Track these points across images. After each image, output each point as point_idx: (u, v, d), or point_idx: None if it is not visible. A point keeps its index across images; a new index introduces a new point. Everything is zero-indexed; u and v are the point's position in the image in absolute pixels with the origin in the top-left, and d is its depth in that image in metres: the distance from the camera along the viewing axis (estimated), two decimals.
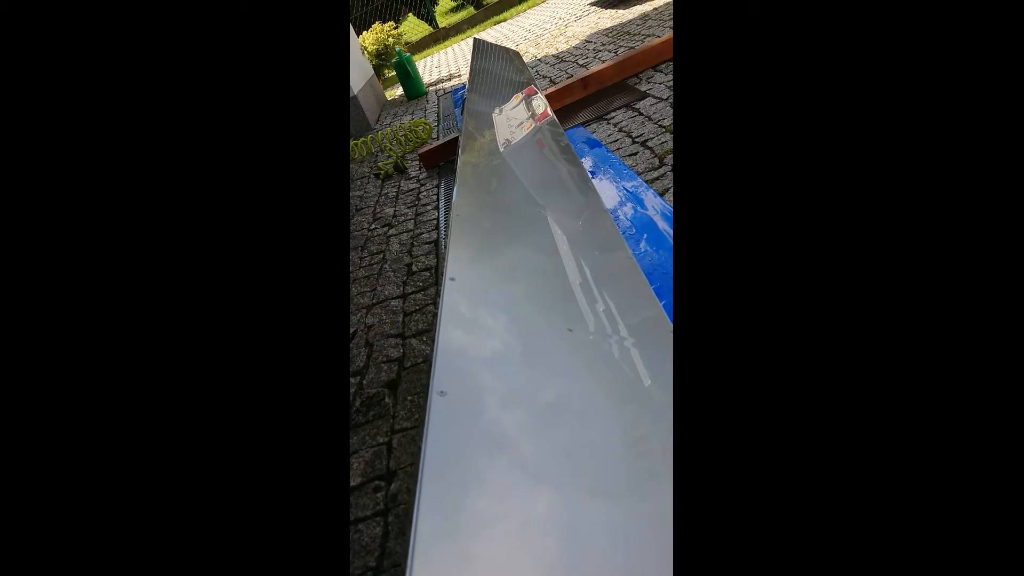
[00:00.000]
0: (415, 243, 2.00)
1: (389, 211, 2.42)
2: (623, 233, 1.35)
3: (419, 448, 0.51)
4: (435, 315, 1.48)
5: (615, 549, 0.46)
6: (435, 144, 2.77)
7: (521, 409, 0.63)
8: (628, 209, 1.46)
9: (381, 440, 1.14)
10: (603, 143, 2.03)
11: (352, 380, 1.36)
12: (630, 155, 1.83)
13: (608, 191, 1.60)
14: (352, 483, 1.06)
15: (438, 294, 0.82)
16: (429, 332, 1.43)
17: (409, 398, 1.23)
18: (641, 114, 2.11)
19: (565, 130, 2.28)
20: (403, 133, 3.26)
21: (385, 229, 2.23)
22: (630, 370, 0.80)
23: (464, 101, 2.42)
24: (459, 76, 5.07)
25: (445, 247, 1.02)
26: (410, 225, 2.17)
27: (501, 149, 1.82)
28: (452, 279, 0.87)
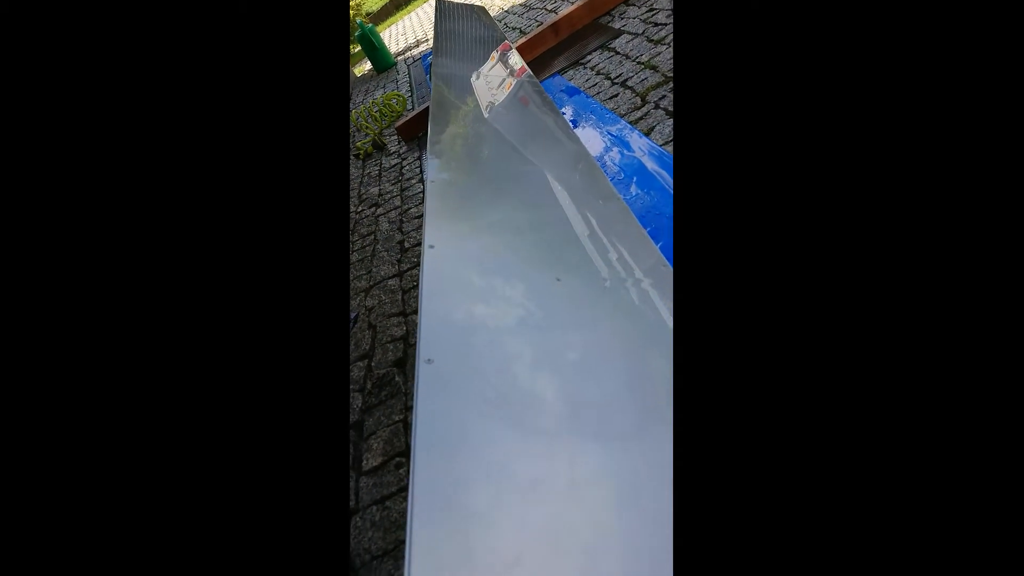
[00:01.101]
0: (404, 219, 1.96)
1: (374, 190, 2.37)
2: (612, 179, 1.31)
3: (412, 419, 0.50)
4: None
5: (615, 492, 0.46)
6: (411, 115, 2.69)
7: (511, 367, 0.62)
8: (615, 154, 1.42)
9: (396, 418, 1.14)
10: (581, 89, 1.96)
11: (360, 363, 1.36)
12: (611, 97, 1.76)
13: (592, 138, 1.55)
14: (374, 463, 1.07)
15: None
16: None
17: None
18: (618, 53, 2.02)
19: (541, 81, 2.20)
20: (377, 109, 3.16)
21: (372, 209, 2.19)
22: (625, 316, 0.79)
23: (431, 67, 2.33)
24: (427, 41, 4.88)
25: (423, 212, 1.00)
26: (397, 202, 2.13)
27: (473, 110, 1.76)
28: (431, 247, 0.85)
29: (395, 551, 0.90)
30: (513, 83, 1.86)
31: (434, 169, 1.17)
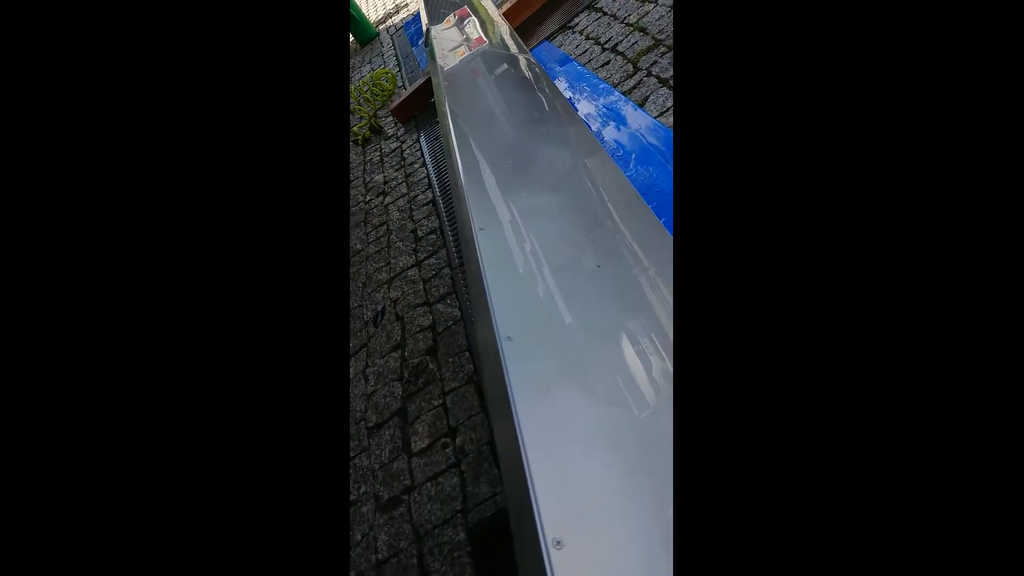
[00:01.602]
0: (413, 207, 2.03)
1: (379, 178, 2.42)
2: (611, 154, 1.36)
3: (505, 391, 0.58)
4: (452, 277, 1.55)
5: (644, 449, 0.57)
6: (404, 95, 2.68)
7: (578, 343, 0.71)
8: (612, 129, 1.46)
9: (436, 403, 1.26)
10: (573, 57, 1.95)
11: (394, 354, 1.48)
12: (602, 65, 1.77)
13: (589, 112, 1.58)
14: (421, 445, 1.20)
15: (463, 248, 0.87)
16: (451, 295, 1.51)
17: (450, 360, 1.34)
18: (605, 14, 2.00)
19: (532, 49, 2.18)
20: (367, 89, 3.14)
21: (381, 198, 2.25)
22: (655, 298, 0.87)
23: (426, 38, 2.31)
24: (407, 6, 4.72)
25: (461, 197, 1.06)
26: (403, 189, 2.19)
27: (475, 88, 1.78)
28: (482, 229, 0.92)
29: (452, 520, 1.03)
30: (510, 60, 1.86)
31: (462, 151, 1.22)
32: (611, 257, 0.97)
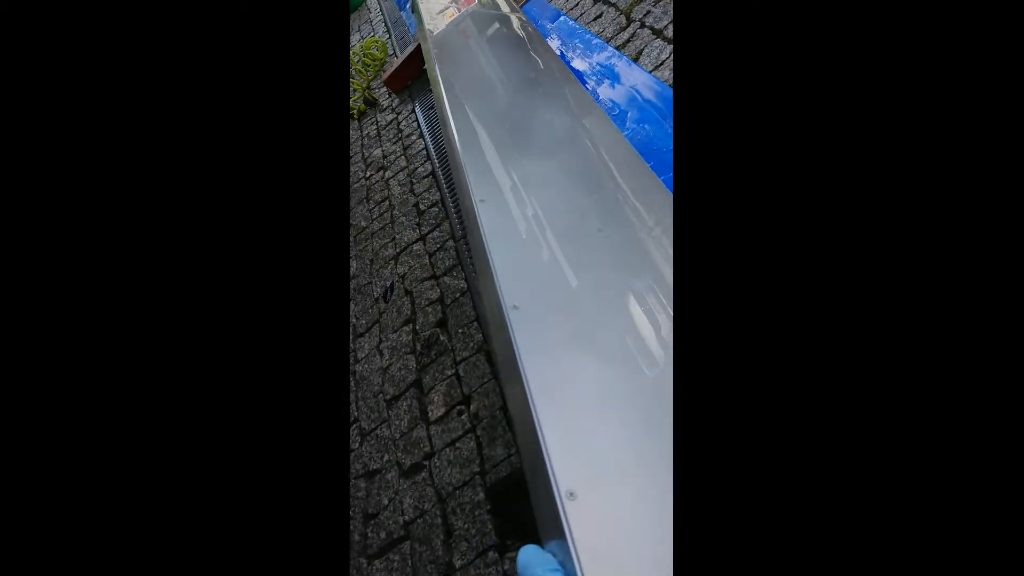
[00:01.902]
0: (414, 180, 2.02)
1: (377, 152, 2.40)
2: (608, 113, 1.34)
3: (514, 360, 0.61)
4: (456, 249, 1.57)
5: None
6: (397, 64, 2.63)
7: (582, 309, 0.73)
8: (607, 87, 1.42)
9: (449, 373, 1.31)
10: (563, 12, 1.89)
11: (406, 328, 1.51)
12: (594, 19, 1.71)
13: (583, 70, 1.54)
14: (438, 414, 1.25)
15: (464, 220, 0.87)
16: (456, 267, 1.53)
17: (460, 330, 1.38)
18: None
19: (522, 6, 2.11)
20: (359, 60, 3.08)
21: (381, 173, 2.25)
22: (659, 257, 0.89)
23: (412, 2, 2.24)
24: None
25: (459, 168, 1.07)
26: (402, 162, 2.18)
27: (471, 51, 1.74)
28: (482, 200, 0.93)
29: (471, 481, 1.09)
30: (501, 20, 1.81)
31: (459, 121, 1.22)
32: (613, 219, 0.97)
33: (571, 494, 0.49)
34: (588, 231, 0.93)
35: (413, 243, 1.75)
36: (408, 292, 1.60)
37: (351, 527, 1.23)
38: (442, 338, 1.40)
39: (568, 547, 0.44)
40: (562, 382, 0.60)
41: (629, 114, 1.31)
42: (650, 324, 0.72)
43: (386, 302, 1.65)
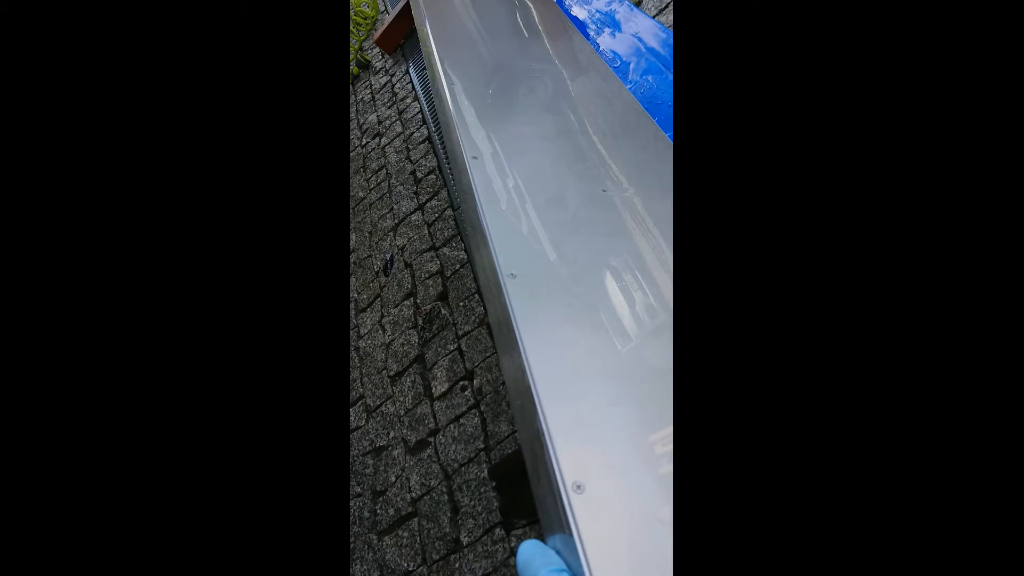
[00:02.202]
0: (410, 146, 1.94)
1: (372, 118, 2.31)
2: (609, 65, 1.24)
3: (512, 330, 0.57)
4: (454, 218, 1.51)
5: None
6: (388, 22, 2.49)
7: (584, 277, 0.69)
8: (607, 36, 1.32)
9: (451, 347, 1.28)
10: None
11: (407, 302, 1.48)
12: None
13: (582, 17, 1.43)
14: (441, 390, 1.23)
15: (457, 183, 0.82)
16: (455, 238, 1.47)
17: (461, 303, 1.34)
18: None
19: None
20: (349, 19, 2.93)
21: (376, 140, 2.16)
22: (665, 220, 0.83)
23: None
24: None
25: (451, 126, 1.00)
26: (398, 127, 2.09)
27: (463, 2, 1.63)
28: (474, 157, 0.87)
29: (476, 458, 1.07)
30: None
31: (451, 76, 1.14)
32: (616, 179, 0.91)
33: (578, 486, 0.45)
34: (592, 191, 0.87)
35: (411, 213, 1.69)
36: (408, 265, 1.56)
37: (361, 503, 1.23)
38: (443, 312, 1.36)
39: (574, 544, 0.41)
40: (562, 355, 0.56)
41: (632, 65, 1.21)
42: (653, 293, 0.67)
43: (386, 275, 1.62)
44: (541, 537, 0.48)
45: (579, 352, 0.58)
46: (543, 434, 0.48)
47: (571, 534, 0.41)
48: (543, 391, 0.52)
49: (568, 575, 0.41)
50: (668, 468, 0.49)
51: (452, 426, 1.16)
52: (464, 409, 1.16)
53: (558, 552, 0.43)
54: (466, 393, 1.18)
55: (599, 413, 0.51)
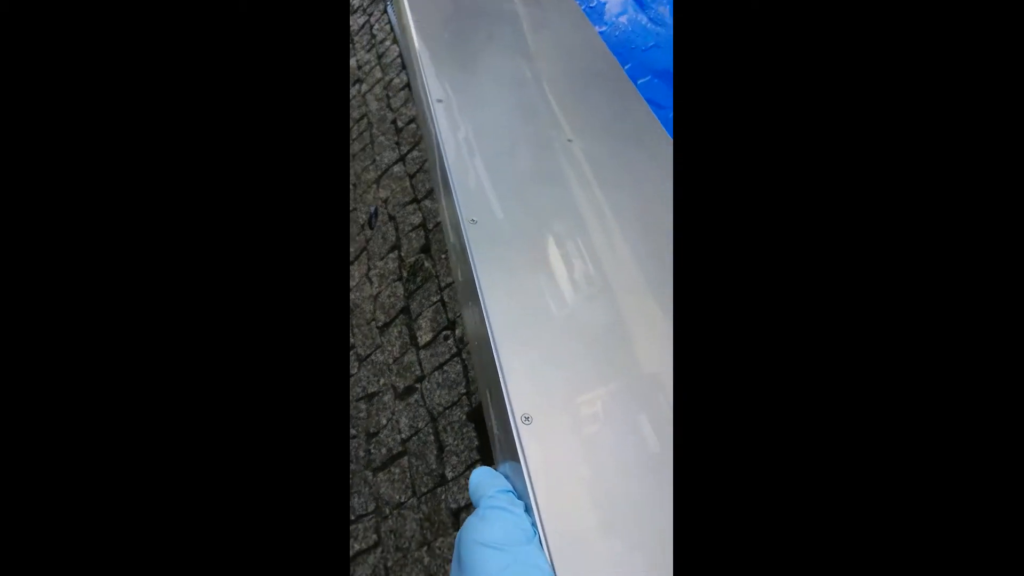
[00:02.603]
0: (390, 93, 1.90)
1: (352, 63, 2.23)
2: (583, 6, 1.19)
3: (471, 279, 0.58)
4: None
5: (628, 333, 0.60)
6: None
7: (549, 225, 0.70)
8: None
9: (435, 299, 1.32)
10: None
11: (392, 255, 1.51)
12: None
13: None
14: (426, 339, 1.28)
15: (420, 125, 0.81)
16: (436, 190, 1.48)
17: (443, 256, 1.37)
18: None
19: None
20: None
21: (356, 87, 2.11)
22: (633, 172, 0.84)
23: None
24: None
25: (415, 69, 0.99)
26: (378, 73, 2.03)
27: None
28: (439, 100, 0.87)
29: (459, 402, 1.14)
30: None
31: (416, 12, 1.10)
32: (583, 129, 0.90)
33: (526, 418, 0.49)
34: (557, 141, 0.87)
35: (393, 164, 1.68)
36: (392, 218, 1.58)
37: (357, 444, 1.32)
38: (427, 264, 1.40)
39: (521, 468, 0.46)
40: (522, 306, 0.59)
41: (606, 5, 1.17)
42: (622, 246, 0.69)
43: (371, 228, 1.63)
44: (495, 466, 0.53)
45: (539, 300, 0.61)
46: (497, 369, 0.52)
47: (518, 461, 0.46)
48: (498, 331, 0.55)
49: (513, 494, 0.46)
50: (609, 405, 0.54)
51: (436, 373, 1.22)
52: (447, 357, 1.22)
53: (507, 477, 0.48)
54: (448, 342, 1.23)
55: (553, 354, 0.55)
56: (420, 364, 1.27)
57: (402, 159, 1.66)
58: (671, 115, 1.15)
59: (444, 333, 1.26)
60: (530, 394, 0.50)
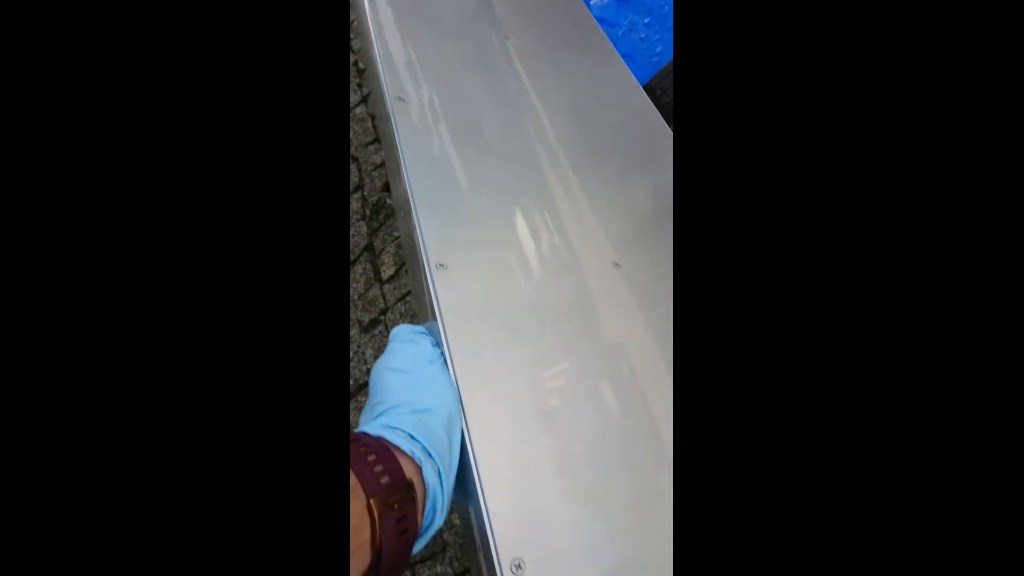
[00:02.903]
0: (351, 35, 1.85)
1: None
2: None
3: (397, 158, 0.57)
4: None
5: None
6: None
7: (476, 101, 0.70)
8: None
9: (396, 235, 1.31)
10: None
11: (355, 195, 1.49)
12: None
13: None
14: (390, 273, 1.28)
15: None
16: None
17: None
18: None
19: None
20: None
21: None
22: (563, 72, 0.82)
23: None
24: None
25: (364, 20, 0.96)
26: None
27: None
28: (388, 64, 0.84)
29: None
30: None
31: None
32: (522, 29, 0.88)
33: (440, 265, 0.50)
34: (496, 37, 0.84)
35: (356, 106, 1.65)
36: (355, 159, 1.55)
37: None
38: (388, 202, 1.38)
39: (437, 325, 0.47)
40: (439, 174, 0.59)
41: None
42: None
43: None
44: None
45: (470, 174, 0.60)
46: (415, 224, 0.52)
47: (433, 310, 0.47)
48: (417, 196, 0.54)
49: (425, 334, 0.47)
50: (522, 258, 0.55)
51: (399, 304, 1.22)
52: (408, 289, 1.22)
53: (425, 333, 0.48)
54: (409, 275, 1.23)
55: (464, 214, 0.56)
56: (384, 297, 1.27)
57: (364, 101, 1.63)
58: (620, 33, 1.13)
59: (405, 268, 1.25)
60: (445, 245, 0.51)
